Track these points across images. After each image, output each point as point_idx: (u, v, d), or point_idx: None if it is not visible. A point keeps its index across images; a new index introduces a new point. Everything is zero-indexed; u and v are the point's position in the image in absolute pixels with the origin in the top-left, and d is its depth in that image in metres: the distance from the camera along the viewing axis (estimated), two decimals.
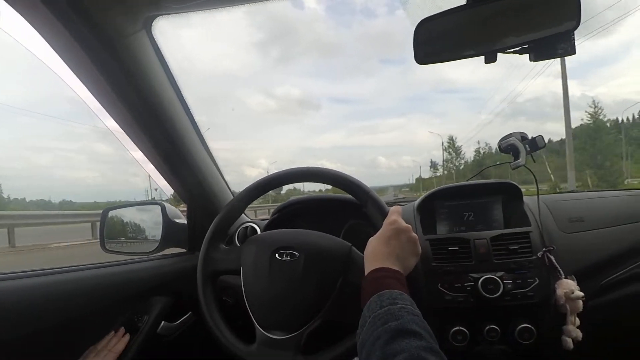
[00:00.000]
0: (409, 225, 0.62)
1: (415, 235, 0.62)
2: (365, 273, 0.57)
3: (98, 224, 1.09)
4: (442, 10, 0.54)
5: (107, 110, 0.77)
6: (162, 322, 0.95)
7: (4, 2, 0.56)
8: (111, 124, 0.81)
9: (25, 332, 0.65)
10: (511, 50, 0.55)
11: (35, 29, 0.61)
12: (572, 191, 1.15)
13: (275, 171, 0.84)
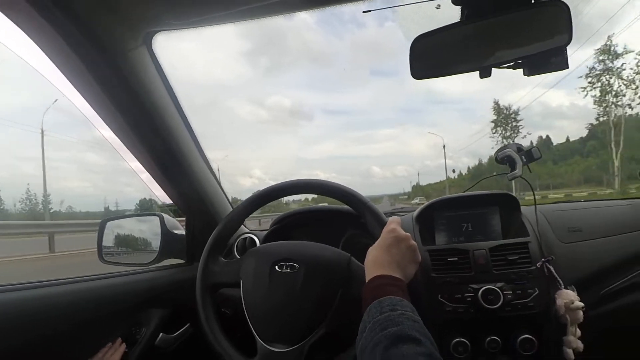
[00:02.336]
0: (408, 234, 0.63)
1: (414, 243, 0.62)
2: (366, 281, 0.57)
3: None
4: (437, 27, 0.56)
5: (105, 122, 0.78)
6: (160, 334, 0.94)
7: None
8: (107, 134, 0.82)
9: (19, 345, 0.64)
10: (505, 65, 0.56)
11: (35, 42, 0.62)
12: (569, 201, 1.15)
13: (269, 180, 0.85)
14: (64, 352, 0.72)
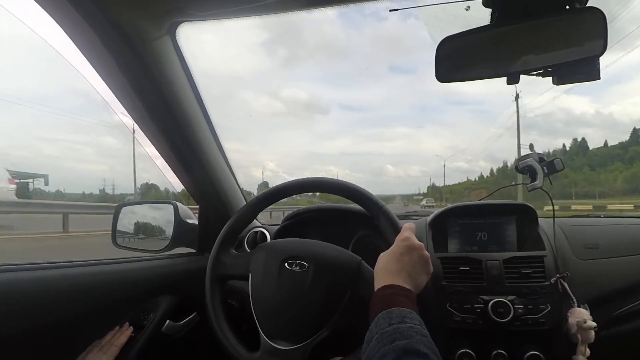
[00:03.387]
0: (422, 243, 0.61)
1: (427, 253, 0.61)
2: (375, 288, 0.56)
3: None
4: (465, 30, 0.54)
5: (125, 108, 0.79)
6: (167, 321, 0.95)
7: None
8: (126, 120, 0.83)
9: (29, 326, 0.65)
10: (534, 72, 0.54)
11: (63, 28, 0.63)
12: (588, 215, 1.12)
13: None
14: (72, 333, 0.74)
